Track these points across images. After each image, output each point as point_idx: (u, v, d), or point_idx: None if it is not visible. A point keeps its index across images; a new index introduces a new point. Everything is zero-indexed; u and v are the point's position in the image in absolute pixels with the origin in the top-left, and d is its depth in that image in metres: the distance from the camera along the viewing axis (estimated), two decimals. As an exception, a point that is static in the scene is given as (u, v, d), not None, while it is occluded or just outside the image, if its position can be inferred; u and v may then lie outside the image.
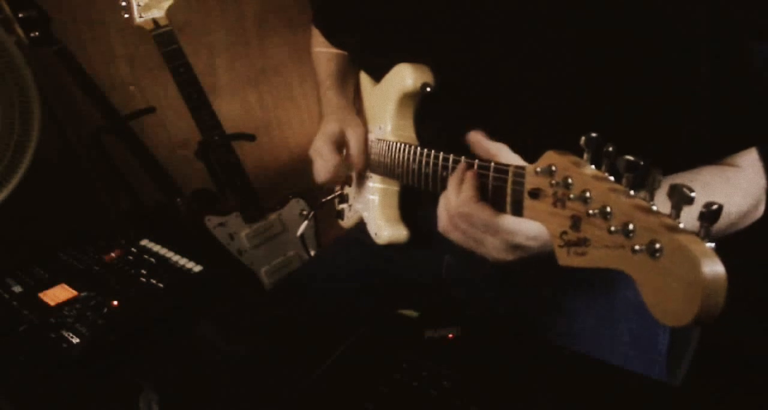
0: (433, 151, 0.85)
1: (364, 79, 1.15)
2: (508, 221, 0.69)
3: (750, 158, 0.80)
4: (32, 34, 1.50)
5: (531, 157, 0.73)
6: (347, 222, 1.22)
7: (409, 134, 1.00)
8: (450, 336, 0.84)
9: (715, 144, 0.79)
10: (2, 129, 1.33)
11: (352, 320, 0.89)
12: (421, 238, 1.05)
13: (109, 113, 1.68)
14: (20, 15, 1.48)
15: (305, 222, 1.34)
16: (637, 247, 0.45)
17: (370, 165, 1.09)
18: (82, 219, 1.74)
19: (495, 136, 0.77)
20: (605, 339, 0.92)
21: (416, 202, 1.07)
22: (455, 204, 0.74)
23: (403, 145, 0.94)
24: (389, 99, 0.98)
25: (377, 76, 1.07)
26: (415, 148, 0.90)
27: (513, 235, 0.70)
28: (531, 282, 0.96)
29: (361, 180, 1.14)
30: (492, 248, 0.73)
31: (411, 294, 1.10)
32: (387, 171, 1.01)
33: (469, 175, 0.73)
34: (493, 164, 0.70)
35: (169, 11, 1.56)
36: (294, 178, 2.36)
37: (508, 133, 0.77)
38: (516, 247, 0.72)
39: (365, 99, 1.15)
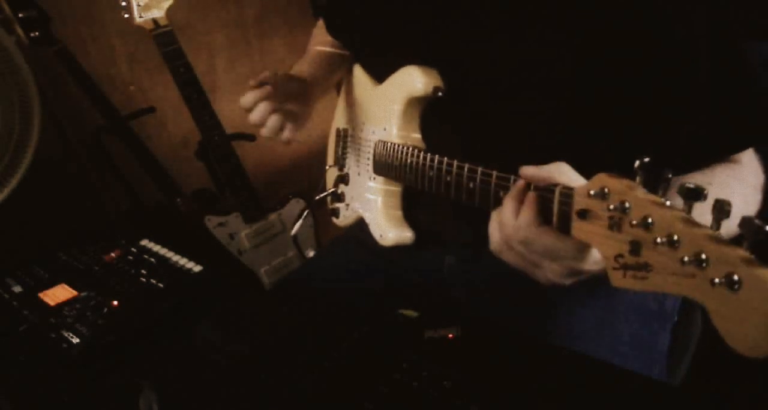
0: (455, 162, 0.83)
1: (363, 79, 1.15)
2: (572, 247, 0.66)
3: (748, 154, 0.81)
4: (32, 34, 1.50)
5: (534, 157, 0.73)
6: (343, 221, 1.22)
7: (415, 136, 1.00)
8: (450, 336, 0.84)
9: (715, 145, 0.79)
10: (2, 129, 1.33)
11: (352, 320, 0.89)
12: (422, 238, 1.05)
13: (109, 113, 1.68)
14: (20, 15, 1.48)
15: (299, 222, 1.34)
16: (716, 280, 0.46)
17: (373, 166, 1.09)
18: (82, 219, 1.74)
19: (498, 137, 0.77)
20: (605, 339, 0.92)
21: (416, 202, 1.07)
22: (513, 227, 0.69)
23: (409, 148, 0.94)
24: (395, 101, 0.98)
25: (378, 75, 1.06)
26: (423, 151, 0.90)
27: (577, 262, 0.67)
28: (532, 283, 0.96)
29: (361, 180, 1.14)
30: (551, 273, 0.70)
31: (411, 294, 1.10)
32: (392, 173, 1.01)
33: (530, 196, 0.69)
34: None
35: (169, 11, 1.56)
36: (294, 178, 2.36)
37: (510, 135, 0.77)
38: (577, 273, 0.70)
39: (364, 98, 1.15)
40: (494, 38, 0.85)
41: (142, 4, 1.52)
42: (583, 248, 0.66)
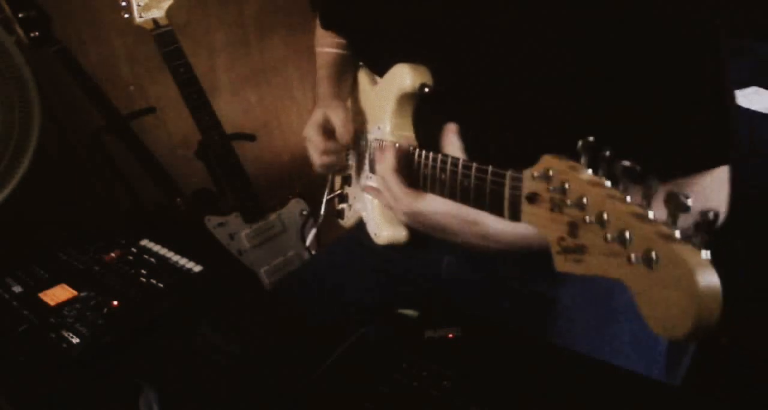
0: (431, 153, 0.85)
1: (363, 79, 1.15)
2: (415, 199, 0.84)
3: (719, 174, 0.81)
4: (32, 34, 1.50)
5: (529, 157, 0.73)
6: (347, 221, 1.22)
7: (408, 134, 1.00)
8: (450, 336, 0.84)
9: (689, 158, 0.78)
10: (2, 129, 1.33)
11: (352, 320, 0.89)
12: (421, 238, 1.05)
13: (109, 113, 1.68)
14: (20, 15, 1.48)
15: (304, 219, 1.34)
16: (633, 257, 0.45)
17: (369, 165, 1.09)
18: (82, 219, 1.74)
19: (495, 136, 0.77)
20: (605, 339, 0.92)
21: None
22: (380, 171, 0.87)
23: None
24: (388, 99, 0.99)
25: (378, 71, 1.07)
26: (417, 148, 0.90)
27: (418, 212, 0.84)
28: (531, 283, 0.96)
29: (360, 179, 1.14)
30: (400, 213, 0.88)
31: (411, 294, 1.10)
32: None
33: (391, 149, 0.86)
34: (491, 168, 0.70)
35: (169, 11, 1.56)
36: (294, 178, 2.36)
37: (508, 133, 0.77)
38: (417, 215, 0.85)
39: (364, 99, 1.15)
40: (493, 37, 0.85)
41: (142, 4, 1.53)
42: (421, 202, 0.84)
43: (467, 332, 0.84)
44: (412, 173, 0.86)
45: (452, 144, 0.82)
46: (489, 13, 0.84)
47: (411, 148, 0.86)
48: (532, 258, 0.80)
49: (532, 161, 0.71)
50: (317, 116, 1.13)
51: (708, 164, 0.80)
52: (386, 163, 0.86)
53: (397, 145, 0.88)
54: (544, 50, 0.81)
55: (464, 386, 0.74)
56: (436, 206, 0.82)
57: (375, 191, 0.94)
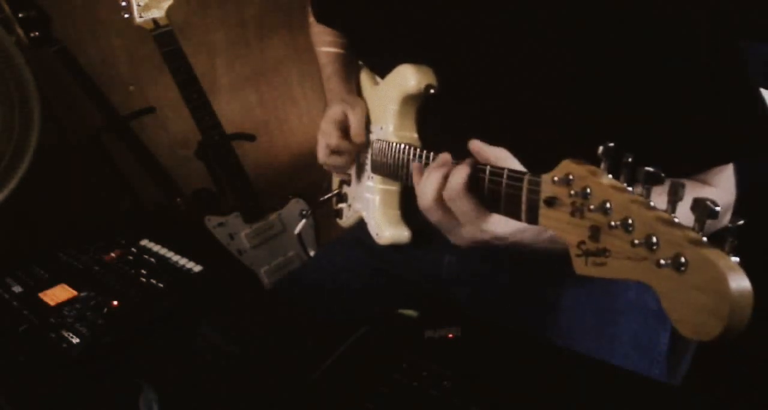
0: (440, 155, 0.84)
1: (364, 79, 1.15)
2: (486, 220, 0.73)
3: (723, 174, 0.81)
4: (32, 34, 1.50)
5: (531, 157, 0.73)
6: (346, 221, 1.22)
7: (411, 135, 1.00)
8: (450, 336, 0.84)
9: (689, 158, 0.78)
10: (2, 129, 1.33)
11: (352, 320, 0.89)
12: (421, 238, 1.05)
13: (109, 113, 1.68)
14: (20, 15, 1.48)
15: (303, 221, 1.34)
16: (662, 261, 0.45)
17: (371, 165, 1.09)
18: (82, 219, 1.74)
19: (496, 136, 0.77)
20: (605, 339, 0.92)
21: (416, 201, 1.07)
22: (444, 186, 0.76)
23: (406, 146, 0.94)
24: (391, 100, 0.98)
25: (378, 71, 1.07)
26: (420, 149, 0.90)
27: (483, 233, 0.74)
28: (531, 283, 0.96)
29: (361, 179, 1.14)
30: (460, 237, 0.78)
31: (411, 294, 1.10)
32: (389, 172, 1.01)
33: (466, 166, 0.75)
34: (507, 171, 0.70)
35: (169, 11, 1.56)
36: (294, 178, 2.36)
37: (508, 134, 0.77)
38: (481, 242, 0.76)
39: (365, 99, 1.15)
40: (495, 37, 0.85)
41: (142, 4, 1.53)
42: (492, 223, 0.73)
43: (467, 332, 0.84)
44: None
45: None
46: (489, 13, 0.84)
47: (500, 172, 0.72)
48: (533, 259, 0.80)
49: (532, 161, 0.71)
50: (336, 111, 1.10)
51: (706, 163, 0.80)
52: (457, 181, 0.74)
53: (469, 161, 0.75)
54: (545, 50, 0.81)
55: (464, 386, 0.74)
56: (506, 224, 0.74)
57: (441, 216, 0.78)
